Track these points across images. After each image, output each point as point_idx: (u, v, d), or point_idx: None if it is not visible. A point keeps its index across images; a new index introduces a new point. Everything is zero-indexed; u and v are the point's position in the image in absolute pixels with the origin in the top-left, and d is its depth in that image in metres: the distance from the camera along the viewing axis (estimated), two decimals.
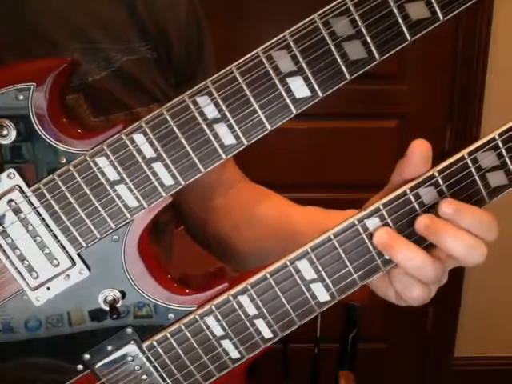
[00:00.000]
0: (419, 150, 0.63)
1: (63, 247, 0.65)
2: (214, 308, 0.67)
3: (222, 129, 0.62)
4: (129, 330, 0.68)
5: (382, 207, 0.63)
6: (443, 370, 2.43)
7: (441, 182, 0.63)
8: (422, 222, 0.62)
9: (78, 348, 0.69)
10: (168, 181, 0.63)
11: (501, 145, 0.62)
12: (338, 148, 2.15)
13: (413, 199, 0.63)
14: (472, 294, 2.32)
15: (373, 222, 0.64)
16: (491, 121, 2.08)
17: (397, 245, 0.63)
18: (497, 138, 0.62)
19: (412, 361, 2.44)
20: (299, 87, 0.61)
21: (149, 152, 0.62)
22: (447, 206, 0.62)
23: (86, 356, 0.69)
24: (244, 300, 0.66)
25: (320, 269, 0.65)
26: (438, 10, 0.59)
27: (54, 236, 0.64)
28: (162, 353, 0.69)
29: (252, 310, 0.67)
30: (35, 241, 0.64)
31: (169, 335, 0.68)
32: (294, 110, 0.62)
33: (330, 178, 2.19)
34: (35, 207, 0.64)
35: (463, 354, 2.43)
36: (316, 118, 2.00)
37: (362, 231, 0.64)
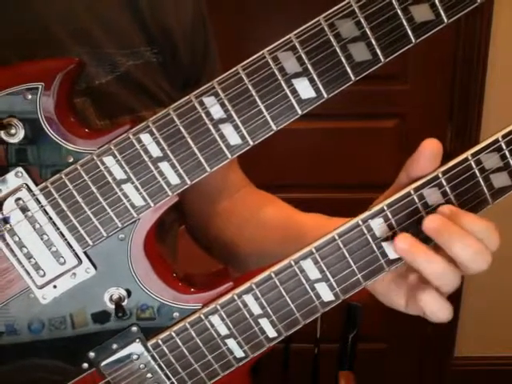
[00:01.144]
0: (429, 148, 0.63)
1: (70, 245, 0.65)
2: (218, 307, 0.67)
3: (227, 129, 0.63)
4: (134, 328, 0.68)
5: (386, 208, 0.64)
6: (443, 370, 2.44)
7: (444, 182, 0.63)
8: (433, 223, 0.61)
9: (83, 346, 0.69)
10: (174, 180, 0.64)
11: (504, 146, 0.62)
12: (338, 148, 2.15)
13: (417, 200, 0.63)
14: (472, 294, 2.32)
15: (377, 223, 0.64)
16: (491, 121, 2.09)
17: (418, 251, 0.62)
18: (500, 139, 0.62)
19: (412, 361, 2.45)
20: (304, 88, 0.62)
21: (155, 151, 0.63)
22: (443, 209, 0.62)
23: (92, 354, 0.69)
24: (249, 299, 0.67)
25: (324, 268, 0.66)
26: (442, 13, 0.60)
27: (61, 234, 0.65)
28: (166, 351, 0.69)
29: (256, 310, 0.67)
30: (42, 239, 0.65)
31: (174, 334, 0.68)
32: (299, 111, 0.63)
33: (330, 178, 2.19)
34: (42, 206, 0.64)
35: (463, 353, 2.43)
36: (316, 118, 1.99)
37: (366, 231, 0.64)
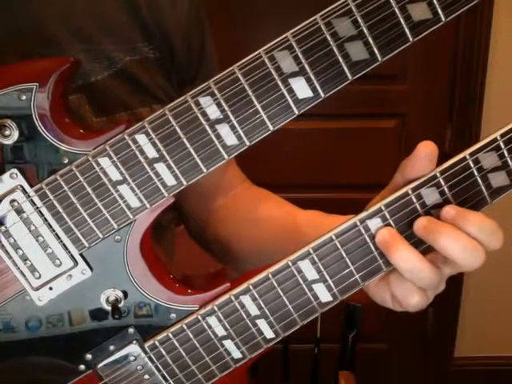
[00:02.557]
0: (425, 151, 0.63)
1: (65, 247, 0.65)
2: (216, 308, 0.67)
3: (224, 129, 0.62)
4: (131, 329, 0.68)
5: (383, 208, 0.63)
6: (443, 370, 2.44)
7: (442, 182, 0.63)
8: (421, 223, 0.62)
9: (80, 348, 0.69)
10: (170, 181, 0.63)
11: (502, 145, 0.62)
12: (338, 148, 2.15)
13: (415, 200, 0.63)
14: (472, 294, 2.32)
15: (374, 223, 0.64)
16: (491, 121, 2.09)
17: (396, 245, 0.63)
18: (498, 138, 0.62)
19: (412, 361, 2.44)
20: (301, 88, 0.61)
21: (151, 152, 0.62)
22: (448, 210, 0.62)
23: (88, 356, 0.69)
24: (246, 300, 0.66)
25: (322, 269, 0.65)
26: (439, 11, 0.59)
27: (57, 236, 0.64)
28: (164, 353, 0.69)
29: (254, 310, 0.67)
30: (37, 241, 0.64)
31: (171, 335, 0.68)
32: (296, 111, 0.62)
33: (329, 178, 2.19)
34: (38, 207, 0.64)
35: (463, 354, 2.43)
36: (315, 119, 2.00)
37: (363, 232, 0.64)
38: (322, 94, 0.62)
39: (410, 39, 0.60)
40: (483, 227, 0.61)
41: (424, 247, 0.64)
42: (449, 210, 0.62)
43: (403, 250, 0.62)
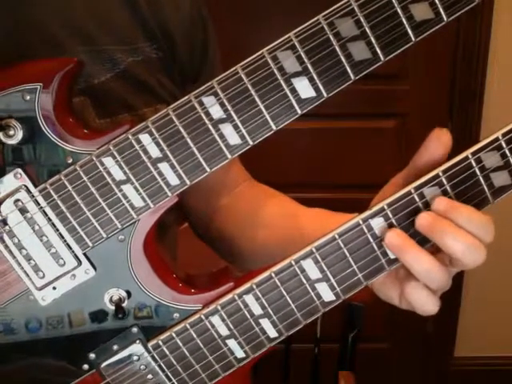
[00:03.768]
0: (438, 135, 0.64)
1: (69, 247, 0.65)
2: (219, 307, 0.67)
3: (227, 129, 0.62)
4: (134, 329, 0.68)
5: (386, 207, 0.64)
6: (443, 370, 2.44)
7: (445, 181, 0.63)
8: (424, 219, 0.62)
9: (83, 348, 0.69)
10: (174, 181, 0.64)
11: (504, 145, 0.62)
12: (338, 148, 2.15)
13: (417, 199, 0.63)
14: (472, 294, 2.32)
15: (377, 222, 0.64)
16: (491, 120, 2.09)
17: (407, 247, 0.63)
18: (500, 138, 0.62)
19: (412, 361, 2.45)
20: (304, 87, 0.62)
21: (155, 152, 0.63)
22: (439, 203, 0.62)
23: (92, 355, 0.69)
24: (249, 299, 0.67)
25: (325, 268, 0.65)
26: (441, 11, 0.60)
27: (61, 236, 0.65)
28: (167, 352, 0.69)
29: (257, 310, 0.67)
30: (41, 240, 0.65)
31: (174, 335, 0.68)
32: (298, 111, 0.62)
33: (329, 178, 2.19)
34: (42, 207, 0.64)
35: (463, 354, 2.43)
36: (316, 118, 2.00)
37: (366, 231, 0.64)
38: (325, 94, 0.62)
39: (413, 39, 0.61)
40: (472, 220, 0.61)
41: (427, 246, 0.64)
42: (440, 202, 0.62)
43: (414, 251, 0.63)
